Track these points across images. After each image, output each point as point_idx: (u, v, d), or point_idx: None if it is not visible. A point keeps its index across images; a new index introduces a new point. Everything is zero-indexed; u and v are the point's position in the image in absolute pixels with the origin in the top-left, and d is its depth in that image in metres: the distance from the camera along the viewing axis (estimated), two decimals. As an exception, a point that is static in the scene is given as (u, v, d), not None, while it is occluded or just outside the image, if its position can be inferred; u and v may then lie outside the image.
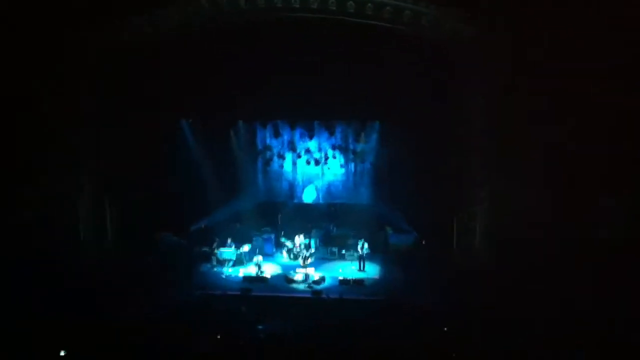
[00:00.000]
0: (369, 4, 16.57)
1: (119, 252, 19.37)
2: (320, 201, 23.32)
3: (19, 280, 14.99)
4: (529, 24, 15.50)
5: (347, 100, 19.61)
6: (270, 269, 19.61)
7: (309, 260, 19.51)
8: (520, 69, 16.06)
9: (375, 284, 18.53)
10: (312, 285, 18.12)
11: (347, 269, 19.52)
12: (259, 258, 19.50)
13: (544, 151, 16.36)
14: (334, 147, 22.58)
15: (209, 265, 20.02)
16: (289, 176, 23.31)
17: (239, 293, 17.10)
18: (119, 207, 19.76)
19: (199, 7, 17.04)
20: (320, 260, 20.51)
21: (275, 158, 22.96)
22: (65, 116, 18.00)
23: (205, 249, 20.53)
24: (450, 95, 17.75)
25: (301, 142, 22.73)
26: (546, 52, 15.62)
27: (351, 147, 22.55)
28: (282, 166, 23.13)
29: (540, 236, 16.31)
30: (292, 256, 20.53)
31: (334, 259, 20.74)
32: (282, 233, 21.55)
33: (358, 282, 18.24)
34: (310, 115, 21.72)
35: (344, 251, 20.81)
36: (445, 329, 13.51)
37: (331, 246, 21.17)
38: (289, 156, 22.98)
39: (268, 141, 22.95)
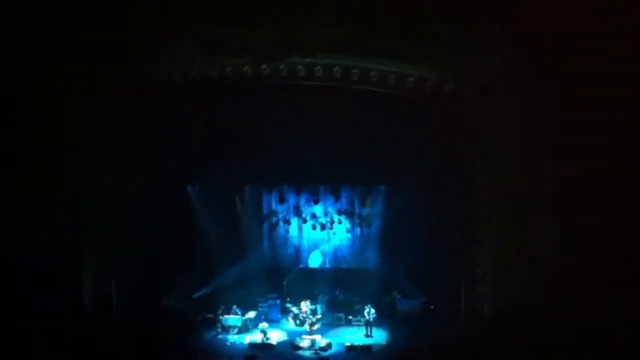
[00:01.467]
0: (373, 72, 16.92)
1: (124, 318, 19.15)
2: (327, 266, 23.13)
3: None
4: (529, 78, 15.71)
5: (351, 166, 19.85)
6: (276, 336, 19.33)
7: (316, 327, 19.27)
8: (523, 124, 16.23)
9: (382, 350, 18.20)
10: (319, 351, 17.83)
11: (354, 335, 19.26)
12: (264, 324, 19.26)
13: (550, 210, 16.25)
14: (339, 212, 22.53)
15: (213, 332, 19.76)
16: (295, 241, 23.21)
17: (243, 361, 16.78)
18: (122, 273, 19.63)
19: (205, 70, 17.41)
20: (327, 326, 20.24)
21: (281, 223, 22.94)
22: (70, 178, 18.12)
23: (210, 315, 20.31)
24: (454, 157, 17.88)
25: (307, 207, 22.70)
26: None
27: (357, 211, 22.50)
28: (287, 231, 23.06)
29: (550, 300, 16.04)
30: (298, 322, 20.26)
31: (341, 325, 20.47)
32: (288, 299, 21.34)
33: (365, 348, 17.92)
34: (316, 180, 21.86)
35: (350, 317, 20.56)
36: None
37: (338, 312, 20.93)
38: (294, 221, 22.96)
39: (274, 206, 22.97)
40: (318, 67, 17.01)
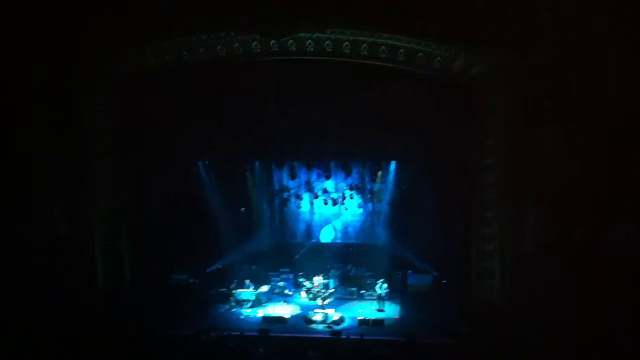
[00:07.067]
0: (383, 47, 16.83)
1: (136, 293, 19.44)
2: (338, 241, 23.28)
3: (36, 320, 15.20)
4: (539, 57, 15.61)
5: (363, 141, 19.80)
6: (288, 310, 19.56)
7: (328, 301, 19.44)
8: (533, 104, 16.16)
9: (394, 324, 18.36)
10: (332, 325, 18.02)
11: (366, 309, 19.42)
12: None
13: (559, 186, 16.21)
14: (350, 187, 22.55)
15: (227, 306, 20.01)
16: (307, 217, 23.33)
17: (257, 334, 16.95)
18: (134, 249, 19.86)
19: (214, 48, 17.41)
20: (339, 300, 20.45)
21: (293, 199, 23.02)
22: (79, 158, 18.34)
23: (223, 289, 20.54)
24: (464, 133, 17.80)
25: (318, 183, 22.76)
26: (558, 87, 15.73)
27: (368, 187, 22.52)
28: (299, 207, 23.15)
29: (558, 273, 16.07)
30: (310, 296, 20.45)
31: (353, 299, 20.65)
32: (300, 273, 21.52)
33: (377, 322, 18.09)
34: (327, 155, 21.84)
35: (362, 291, 20.72)
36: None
37: (350, 286, 21.10)
38: (306, 197, 23.03)
39: (285, 182, 23.01)
40: (327, 42, 16.95)
